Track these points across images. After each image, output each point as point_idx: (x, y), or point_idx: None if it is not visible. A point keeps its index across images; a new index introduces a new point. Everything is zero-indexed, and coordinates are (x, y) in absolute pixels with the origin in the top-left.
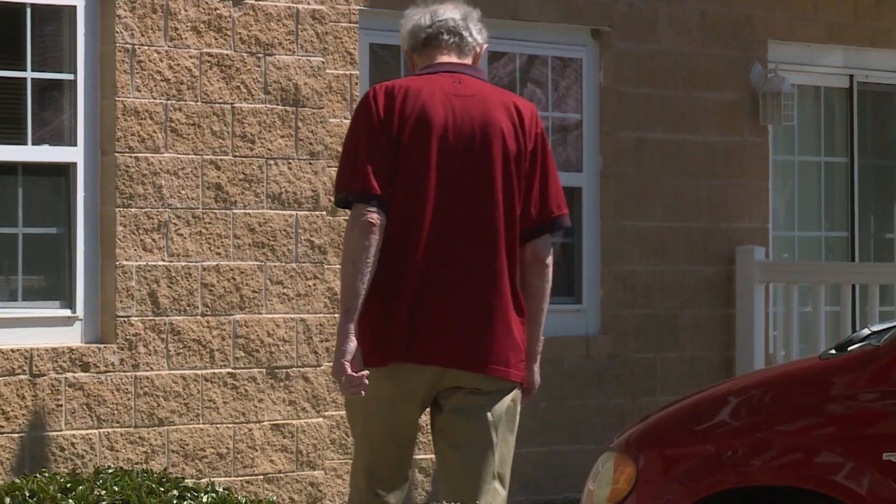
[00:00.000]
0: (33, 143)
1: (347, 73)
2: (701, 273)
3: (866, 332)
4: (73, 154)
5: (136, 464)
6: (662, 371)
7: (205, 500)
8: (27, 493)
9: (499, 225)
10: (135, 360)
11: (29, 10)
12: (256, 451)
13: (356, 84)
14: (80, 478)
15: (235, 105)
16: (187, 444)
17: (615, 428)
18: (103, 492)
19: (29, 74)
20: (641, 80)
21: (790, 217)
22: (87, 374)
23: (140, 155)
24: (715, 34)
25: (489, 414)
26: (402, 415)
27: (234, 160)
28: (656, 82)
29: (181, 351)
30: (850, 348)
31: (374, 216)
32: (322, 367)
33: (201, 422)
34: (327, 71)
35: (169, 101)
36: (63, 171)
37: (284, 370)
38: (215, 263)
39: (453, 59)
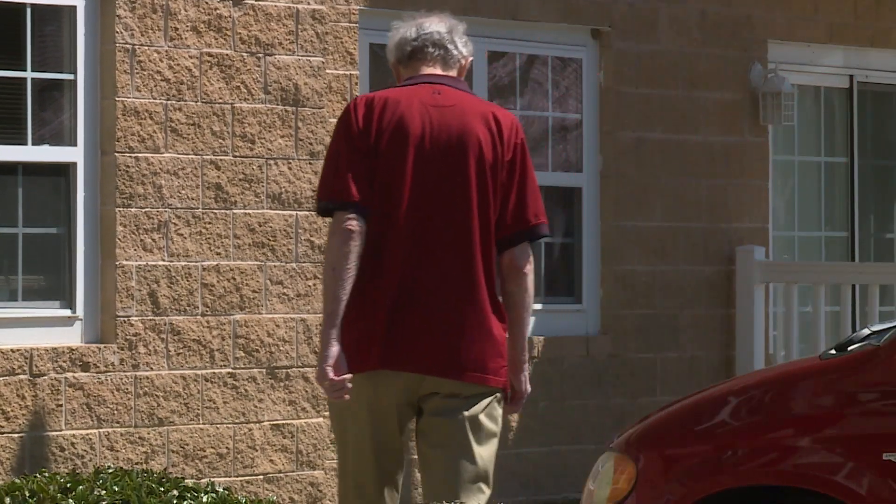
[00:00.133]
0: (33, 143)
1: (347, 73)
2: (701, 273)
3: (866, 332)
4: (73, 154)
5: (136, 464)
6: (662, 371)
7: (205, 500)
8: (27, 493)
9: (474, 232)
10: (135, 360)
11: (29, 10)
12: (256, 451)
13: (356, 84)
14: (80, 478)
15: (235, 105)
16: (187, 444)
17: (615, 428)
18: (103, 492)
19: (29, 74)
20: (641, 80)
21: (790, 217)
22: (87, 374)
23: (140, 155)
24: (715, 34)
25: (467, 415)
26: (383, 421)
27: (234, 160)
28: (656, 82)
29: (181, 351)
30: (850, 348)
31: (355, 223)
32: None
33: (201, 422)
34: (327, 71)
35: (169, 101)
36: (63, 171)
37: (284, 370)
38: (215, 263)
39: (437, 71)
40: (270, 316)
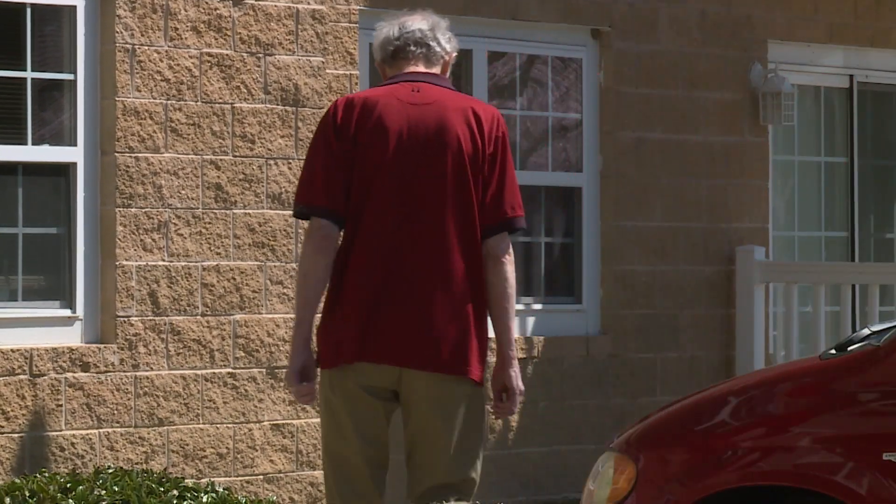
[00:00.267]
0: (33, 143)
1: (347, 73)
2: (701, 273)
3: (866, 332)
4: (73, 154)
5: (136, 464)
6: (662, 371)
7: (205, 500)
8: (27, 493)
9: (451, 226)
10: (135, 360)
11: (29, 10)
12: (256, 451)
13: (356, 84)
14: (80, 478)
15: (235, 105)
16: (187, 444)
17: (615, 428)
18: (103, 492)
19: (29, 74)
20: (641, 80)
21: (790, 217)
22: (87, 374)
23: (140, 155)
24: (715, 34)
25: (446, 406)
26: (365, 412)
27: (234, 160)
28: (656, 82)
29: (181, 351)
30: (850, 348)
31: (329, 230)
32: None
33: (201, 422)
34: (327, 71)
35: (169, 101)
36: (63, 171)
37: (284, 370)
38: (215, 263)
39: (420, 68)
40: (270, 316)
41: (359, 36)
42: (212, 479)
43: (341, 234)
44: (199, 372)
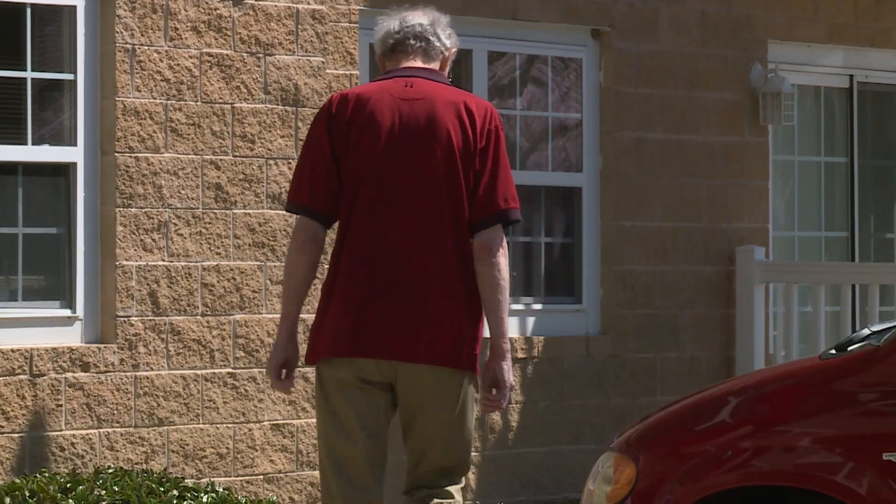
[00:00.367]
0: (33, 143)
1: (347, 73)
2: (701, 273)
3: (866, 332)
4: (73, 154)
5: (136, 464)
6: (662, 371)
7: (205, 500)
8: (27, 493)
9: (443, 220)
10: (135, 360)
11: (29, 10)
12: (256, 451)
13: (356, 84)
14: (80, 478)
15: (235, 105)
16: (187, 444)
17: (615, 428)
18: (103, 492)
19: (29, 74)
20: (641, 80)
21: (790, 217)
22: (87, 374)
23: (140, 155)
24: (715, 34)
25: (440, 396)
26: (362, 399)
27: (234, 160)
28: (656, 82)
29: (181, 351)
30: (850, 348)
31: (312, 231)
32: None
33: (201, 422)
34: (327, 71)
35: (169, 101)
36: (63, 171)
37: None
38: (215, 263)
39: (418, 63)
40: (270, 316)
41: (359, 36)
42: (212, 479)
43: (335, 229)
44: (199, 372)
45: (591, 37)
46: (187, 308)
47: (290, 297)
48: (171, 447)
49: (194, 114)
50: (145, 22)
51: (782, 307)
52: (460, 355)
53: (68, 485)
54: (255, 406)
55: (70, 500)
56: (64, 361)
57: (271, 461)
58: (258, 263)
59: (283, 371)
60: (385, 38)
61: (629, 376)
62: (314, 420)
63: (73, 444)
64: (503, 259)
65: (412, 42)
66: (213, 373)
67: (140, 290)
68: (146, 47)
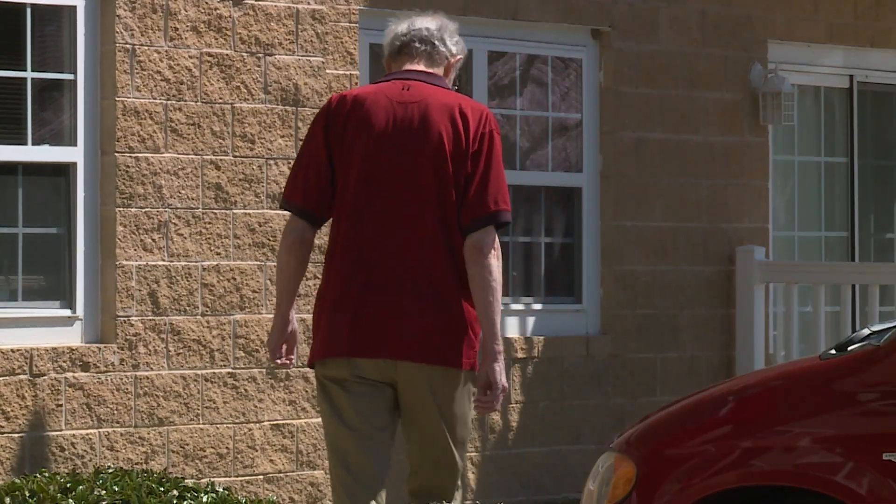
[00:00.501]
0: (33, 143)
1: (347, 73)
2: (701, 273)
3: (866, 332)
4: (73, 154)
5: (136, 464)
6: (662, 371)
7: (205, 500)
8: (27, 493)
9: (433, 221)
10: (135, 360)
11: (29, 10)
12: (256, 451)
13: (356, 84)
14: (80, 478)
15: (235, 105)
16: (187, 444)
17: (615, 428)
18: (103, 492)
19: (29, 74)
20: (641, 80)
21: (790, 217)
22: (87, 374)
23: (140, 155)
24: (715, 34)
25: (437, 394)
26: (363, 395)
27: (234, 160)
28: (656, 82)
29: (181, 351)
30: (850, 348)
31: (301, 232)
32: None
33: (201, 422)
34: (327, 71)
35: (169, 101)
36: (63, 171)
37: (284, 370)
38: (215, 263)
39: (420, 67)
40: (270, 316)
41: (359, 36)
42: (212, 479)
43: (328, 227)
44: (199, 372)
45: (592, 37)
46: (187, 308)
47: (282, 292)
48: (171, 447)
49: (194, 114)
50: (145, 22)
51: (782, 307)
52: (458, 353)
53: (68, 485)
54: (255, 406)
55: (70, 500)
56: (64, 361)
57: (271, 461)
58: (258, 263)
59: (284, 347)
60: (392, 41)
61: (629, 376)
62: (314, 420)
63: (73, 444)
64: (494, 261)
65: (417, 45)
66: (213, 373)
67: (140, 290)
68: (146, 47)
